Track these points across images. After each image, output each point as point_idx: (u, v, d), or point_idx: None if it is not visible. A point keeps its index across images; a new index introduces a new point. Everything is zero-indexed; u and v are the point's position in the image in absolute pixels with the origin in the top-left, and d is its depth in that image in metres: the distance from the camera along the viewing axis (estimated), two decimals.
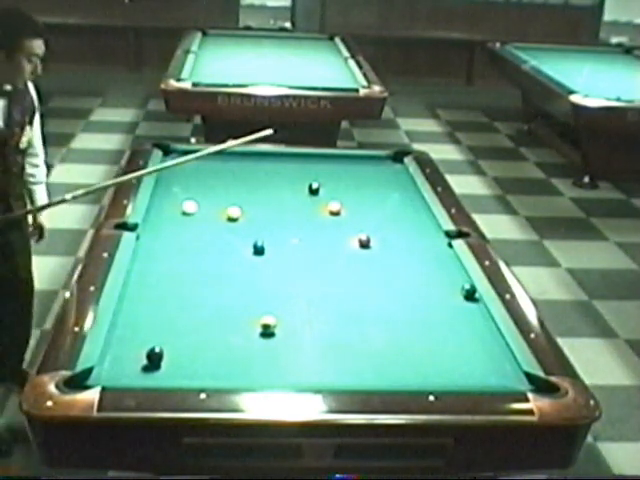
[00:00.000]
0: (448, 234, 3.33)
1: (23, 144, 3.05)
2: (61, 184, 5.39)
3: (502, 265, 3.07)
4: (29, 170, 3.23)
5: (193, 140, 4.16)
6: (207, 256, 3.10)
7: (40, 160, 3.29)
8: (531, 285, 4.12)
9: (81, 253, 4.14)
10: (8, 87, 2.93)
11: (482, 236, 3.33)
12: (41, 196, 3.30)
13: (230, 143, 3.26)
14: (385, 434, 2.21)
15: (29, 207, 3.25)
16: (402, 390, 2.27)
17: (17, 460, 3.03)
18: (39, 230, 3.36)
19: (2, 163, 2.99)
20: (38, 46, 2.84)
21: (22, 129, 3.02)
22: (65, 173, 5.83)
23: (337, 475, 2.25)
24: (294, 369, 2.44)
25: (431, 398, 2.21)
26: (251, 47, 6.99)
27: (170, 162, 3.49)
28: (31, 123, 3.09)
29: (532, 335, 2.56)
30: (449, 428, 2.20)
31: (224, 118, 5.38)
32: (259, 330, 2.54)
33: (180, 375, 2.31)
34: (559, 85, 6.11)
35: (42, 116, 3.23)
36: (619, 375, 3.89)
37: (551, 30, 9.04)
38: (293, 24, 9.21)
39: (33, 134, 3.15)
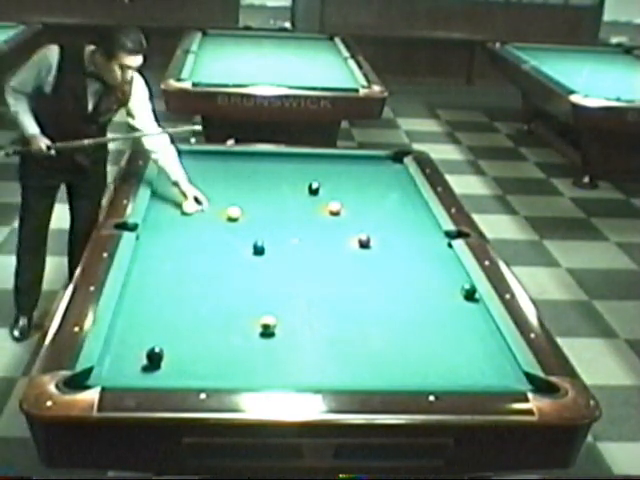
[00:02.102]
0: (448, 234, 3.33)
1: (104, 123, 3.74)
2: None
3: (502, 265, 3.07)
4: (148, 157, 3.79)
5: (193, 140, 4.16)
6: (207, 256, 3.10)
7: (152, 153, 3.74)
8: (531, 285, 4.12)
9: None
10: (110, 80, 3.49)
11: (482, 236, 3.33)
12: (179, 179, 3.64)
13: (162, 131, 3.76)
14: (385, 434, 2.21)
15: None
16: (402, 390, 2.27)
17: (17, 460, 3.03)
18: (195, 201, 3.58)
19: (86, 131, 3.62)
20: (131, 60, 3.40)
21: (107, 114, 3.67)
22: None
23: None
24: (294, 369, 2.44)
25: (431, 398, 2.21)
26: (251, 47, 6.99)
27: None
28: (116, 111, 3.70)
29: (532, 335, 2.56)
30: (449, 428, 2.21)
31: (224, 118, 5.38)
32: (259, 330, 2.54)
33: (180, 375, 2.31)
34: (559, 85, 6.10)
35: None
36: (619, 375, 3.89)
37: (551, 30, 9.03)
38: (293, 24, 9.21)
39: (139, 120, 3.73)
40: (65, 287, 3.74)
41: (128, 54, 3.38)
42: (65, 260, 4.19)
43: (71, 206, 3.94)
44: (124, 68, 3.41)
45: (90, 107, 3.57)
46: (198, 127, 3.56)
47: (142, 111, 3.71)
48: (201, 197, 3.57)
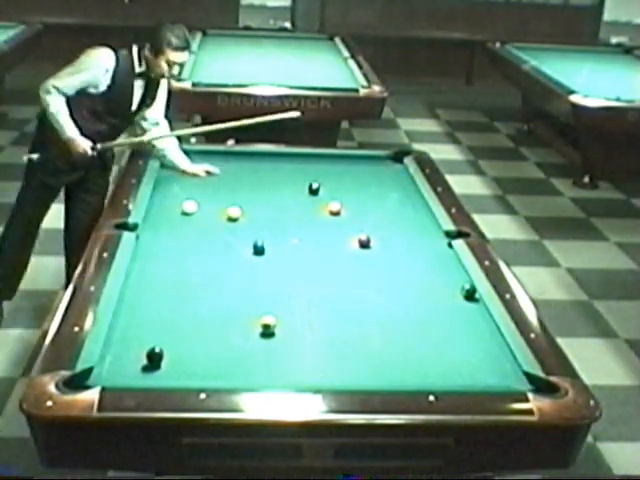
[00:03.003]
0: (448, 234, 3.33)
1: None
2: None
3: (502, 265, 3.07)
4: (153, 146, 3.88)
5: (193, 140, 4.17)
6: (207, 256, 3.10)
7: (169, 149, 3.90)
8: (531, 285, 4.12)
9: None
10: (152, 76, 3.64)
11: (482, 236, 3.33)
12: (180, 162, 3.89)
13: (257, 119, 3.86)
14: (385, 434, 2.21)
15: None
16: (402, 390, 2.27)
17: (17, 460, 3.03)
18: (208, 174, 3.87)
19: (120, 129, 3.78)
20: (177, 57, 3.52)
21: (142, 112, 3.76)
22: None
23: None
24: (294, 369, 2.43)
25: (431, 398, 2.21)
26: (251, 47, 6.99)
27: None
28: (149, 108, 3.78)
29: (532, 335, 2.56)
30: (449, 428, 2.20)
31: (224, 118, 5.36)
32: (259, 330, 2.54)
33: (180, 375, 2.31)
34: (559, 85, 6.10)
35: None
36: (619, 375, 3.89)
37: (551, 30, 9.03)
38: (293, 24, 9.21)
39: (158, 115, 3.83)
40: (65, 287, 3.76)
41: (174, 50, 3.49)
42: (63, 259, 4.19)
43: (72, 204, 3.90)
44: (171, 64, 3.53)
45: (134, 107, 3.69)
46: (297, 114, 3.86)
47: (159, 102, 3.81)
48: (210, 168, 3.85)
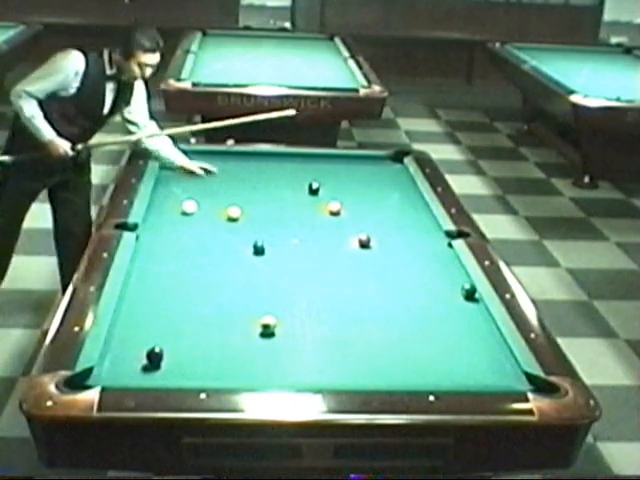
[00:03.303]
0: (448, 234, 3.33)
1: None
2: None
3: (502, 265, 3.07)
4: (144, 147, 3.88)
5: (193, 140, 4.17)
6: (207, 256, 3.10)
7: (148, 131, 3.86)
8: (531, 285, 4.11)
9: None
10: (124, 78, 3.61)
11: (482, 236, 3.33)
12: (174, 157, 3.87)
13: (252, 117, 3.83)
14: (385, 434, 2.21)
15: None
16: (402, 390, 2.27)
17: (17, 460, 3.03)
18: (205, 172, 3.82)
19: (93, 132, 3.74)
20: (148, 59, 3.50)
21: (116, 114, 3.74)
22: None
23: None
24: (294, 369, 2.44)
25: (431, 398, 2.21)
26: (251, 47, 6.99)
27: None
28: (123, 110, 3.75)
29: (532, 335, 2.56)
30: (449, 428, 2.20)
31: (224, 118, 5.37)
32: (259, 330, 2.54)
33: (180, 375, 2.31)
34: (559, 85, 6.10)
35: None
36: (619, 375, 3.89)
37: (551, 30, 9.03)
38: (293, 24, 9.21)
39: (138, 117, 3.80)
40: (63, 289, 3.77)
41: (145, 52, 3.48)
42: None
43: (58, 205, 3.89)
44: (142, 66, 3.51)
45: (107, 109, 3.67)
46: (292, 112, 3.85)
47: (140, 105, 3.80)
48: (207, 166, 3.79)
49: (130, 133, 3.84)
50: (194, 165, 3.81)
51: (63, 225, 3.90)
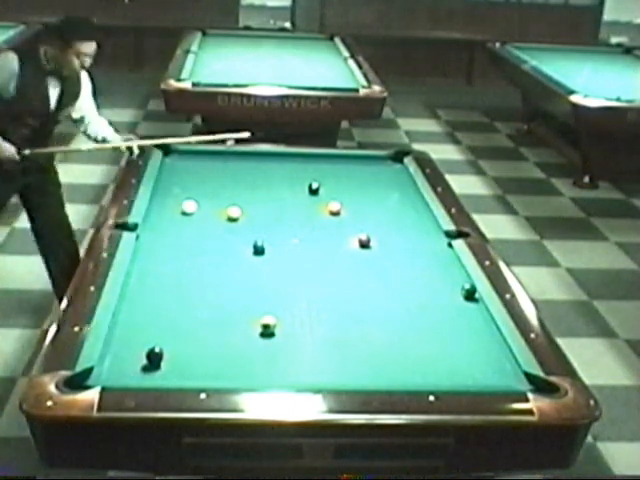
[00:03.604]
0: (448, 234, 3.33)
1: (62, 119, 3.70)
2: (62, 184, 5.39)
3: (502, 265, 3.07)
4: (91, 134, 3.80)
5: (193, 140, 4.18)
6: (207, 256, 3.10)
7: (93, 124, 3.80)
8: (531, 285, 4.12)
9: (81, 253, 4.13)
10: (65, 72, 3.53)
11: (482, 236, 3.33)
12: (112, 137, 3.79)
13: (206, 137, 3.81)
14: (385, 434, 2.21)
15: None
16: (402, 390, 2.27)
17: (17, 460, 3.03)
18: (130, 152, 3.78)
19: (45, 130, 3.63)
20: (85, 47, 3.47)
21: (66, 111, 3.66)
22: (65, 173, 5.81)
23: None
24: (294, 369, 2.44)
25: (431, 398, 2.21)
26: (251, 47, 6.99)
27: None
28: (74, 105, 3.68)
29: (532, 335, 2.56)
30: (449, 428, 2.20)
31: (224, 118, 5.38)
32: (259, 330, 2.54)
33: (180, 375, 2.31)
34: (559, 85, 6.10)
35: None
36: (619, 375, 3.89)
37: (551, 30, 9.03)
38: (293, 24, 9.21)
39: (84, 110, 3.74)
40: (55, 291, 3.78)
41: (82, 41, 3.46)
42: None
43: (32, 211, 3.84)
44: (81, 56, 3.47)
45: (53, 106, 3.57)
46: (247, 134, 3.73)
47: (84, 100, 3.75)
48: (135, 145, 3.74)
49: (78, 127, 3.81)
50: (117, 138, 3.78)
51: (41, 230, 3.86)
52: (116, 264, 2.90)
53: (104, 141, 3.79)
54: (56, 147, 3.81)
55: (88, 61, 3.53)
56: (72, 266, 3.82)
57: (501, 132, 7.78)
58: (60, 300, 3.84)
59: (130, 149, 3.75)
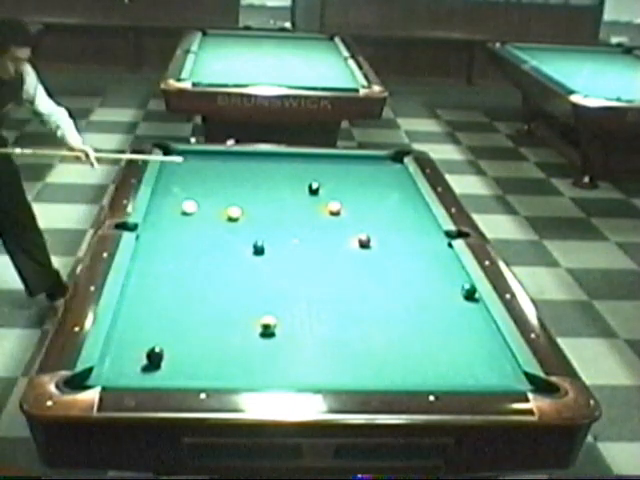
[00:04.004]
0: (448, 234, 3.33)
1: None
2: (62, 184, 5.41)
3: (502, 265, 3.07)
4: (49, 126, 3.73)
5: (193, 140, 4.17)
6: (207, 256, 3.10)
7: (51, 116, 3.72)
8: (531, 285, 4.11)
9: (81, 253, 4.14)
10: (1, 76, 3.49)
11: (482, 236, 3.33)
12: (69, 134, 3.71)
13: (142, 156, 3.78)
14: (385, 434, 2.21)
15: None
16: (402, 390, 2.27)
17: (17, 460, 3.03)
18: (85, 156, 3.68)
19: None
20: (21, 52, 3.44)
21: (4, 108, 3.65)
22: (65, 173, 5.84)
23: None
24: (294, 369, 2.43)
25: (431, 398, 2.21)
26: (251, 47, 6.99)
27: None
28: (19, 103, 3.67)
29: (532, 335, 2.56)
30: (449, 428, 2.20)
31: (224, 118, 5.38)
32: (259, 330, 2.54)
33: (180, 375, 2.31)
34: (559, 85, 6.10)
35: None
36: (619, 375, 3.89)
37: (551, 30, 9.04)
38: (293, 24, 9.21)
39: (37, 105, 3.69)
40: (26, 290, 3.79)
41: (17, 46, 3.43)
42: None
43: None
44: (16, 61, 3.46)
45: None
46: (180, 159, 3.64)
47: (39, 94, 3.72)
48: (92, 157, 3.65)
49: (43, 122, 3.76)
50: (81, 148, 3.69)
51: (4, 220, 3.88)
52: (116, 264, 2.90)
53: (58, 133, 3.72)
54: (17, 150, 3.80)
55: (23, 66, 3.54)
56: (40, 255, 3.95)
57: (501, 132, 7.79)
58: (29, 290, 3.98)
59: (89, 160, 3.69)
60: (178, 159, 3.68)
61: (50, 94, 3.79)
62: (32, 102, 3.70)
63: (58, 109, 3.76)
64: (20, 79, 3.61)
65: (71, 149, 3.70)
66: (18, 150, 3.78)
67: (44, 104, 3.73)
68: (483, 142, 7.46)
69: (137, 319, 2.61)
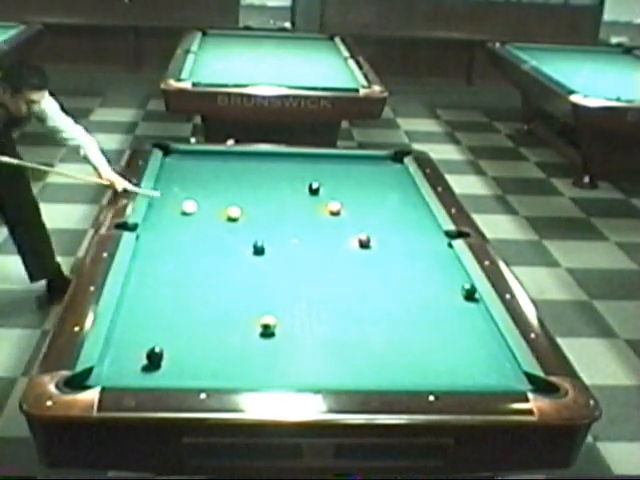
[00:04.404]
0: (448, 234, 3.33)
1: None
2: (62, 184, 5.41)
3: (502, 265, 3.07)
4: (71, 145, 3.79)
5: (193, 140, 4.18)
6: (207, 256, 3.10)
7: (71, 134, 3.76)
8: (531, 285, 4.11)
9: (81, 253, 4.13)
10: (12, 113, 3.60)
11: (482, 236, 3.33)
12: (93, 155, 3.74)
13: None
14: (385, 434, 2.21)
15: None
16: (402, 390, 2.27)
17: (17, 460, 3.03)
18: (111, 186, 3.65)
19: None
20: (36, 95, 3.54)
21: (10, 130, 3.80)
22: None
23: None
24: (294, 369, 2.44)
25: (431, 398, 2.21)
26: (251, 47, 6.99)
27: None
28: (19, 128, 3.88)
29: (532, 335, 2.56)
30: (449, 428, 2.20)
31: (224, 118, 5.39)
32: (259, 330, 2.54)
33: (180, 375, 2.31)
34: (559, 85, 6.10)
35: None
36: (619, 375, 3.89)
37: (551, 30, 9.03)
38: (293, 24, 9.21)
39: (52, 124, 3.74)
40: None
41: (33, 90, 3.52)
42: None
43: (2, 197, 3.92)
44: (29, 103, 3.56)
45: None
46: (157, 193, 3.59)
47: (58, 118, 3.76)
48: (129, 187, 3.59)
49: (63, 139, 3.80)
50: (114, 179, 3.65)
51: (11, 211, 3.95)
52: (116, 264, 2.90)
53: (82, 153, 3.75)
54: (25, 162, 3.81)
55: (36, 107, 3.61)
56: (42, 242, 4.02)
57: (501, 132, 7.79)
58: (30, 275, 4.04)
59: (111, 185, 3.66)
60: (156, 193, 3.60)
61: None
62: (57, 132, 3.76)
63: (85, 139, 3.77)
64: (30, 116, 3.70)
65: (99, 176, 3.70)
66: (47, 168, 3.98)
67: (69, 132, 3.76)
68: (483, 142, 7.45)
69: (137, 319, 2.62)
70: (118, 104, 7.88)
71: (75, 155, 3.82)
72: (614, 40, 9.04)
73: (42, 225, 4.05)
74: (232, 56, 6.63)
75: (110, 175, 3.66)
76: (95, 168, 3.71)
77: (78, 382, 2.21)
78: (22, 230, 4.00)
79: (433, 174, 4.04)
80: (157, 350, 2.34)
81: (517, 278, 3.01)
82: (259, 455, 2.22)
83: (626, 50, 7.94)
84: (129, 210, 3.39)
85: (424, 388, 2.26)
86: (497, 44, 7.66)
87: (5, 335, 3.92)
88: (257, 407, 2.18)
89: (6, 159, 3.62)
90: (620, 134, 5.88)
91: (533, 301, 2.84)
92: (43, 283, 4.13)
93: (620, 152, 6.09)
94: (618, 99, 5.71)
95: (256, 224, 3.39)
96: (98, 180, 3.70)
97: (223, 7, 9.00)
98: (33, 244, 4.03)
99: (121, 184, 3.60)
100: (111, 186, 3.62)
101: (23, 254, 4.05)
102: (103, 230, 3.21)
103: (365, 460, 2.24)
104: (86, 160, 3.75)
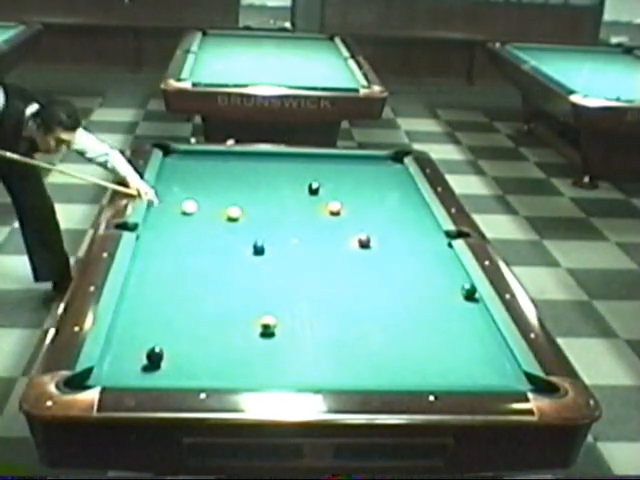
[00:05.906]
0: (448, 234, 3.33)
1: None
2: (62, 184, 5.40)
3: (502, 265, 3.07)
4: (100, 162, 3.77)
5: (193, 140, 4.18)
6: (207, 256, 3.10)
7: (104, 158, 3.74)
8: (531, 285, 4.11)
9: (81, 253, 4.13)
10: (39, 147, 3.63)
11: (482, 236, 3.33)
12: (120, 166, 3.71)
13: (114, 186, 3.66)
14: (385, 434, 2.21)
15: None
16: (402, 390, 2.27)
17: (17, 460, 3.02)
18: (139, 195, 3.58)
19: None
20: (67, 135, 3.53)
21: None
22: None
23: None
24: (294, 369, 2.44)
25: (431, 398, 2.21)
26: (251, 47, 6.99)
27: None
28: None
29: (532, 335, 2.56)
30: (449, 428, 2.21)
31: (224, 118, 5.39)
32: (259, 330, 2.54)
33: (180, 375, 2.31)
34: (559, 85, 6.10)
35: None
36: (619, 375, 3.89)
37: (551, 30, 9.03)
38: (293, 24, 9.21)
39: (89, 156, 3.76)
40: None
41: (65, 130, 3.51)
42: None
43: (17, 196, 3.94)
44: (59, 141, 3.55)
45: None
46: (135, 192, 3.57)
47: (90, 148, 3.76)
48: (152, 196, 3.56)
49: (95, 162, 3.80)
50: (140, 186, 3.61)
51: (24, 210, 3.96)
52: (116, 264, 2.90)
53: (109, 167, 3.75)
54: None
55: (65, 146, 3.62)
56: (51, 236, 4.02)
57: (501, 132, 7.78)
58: (35, 275, 4.06)
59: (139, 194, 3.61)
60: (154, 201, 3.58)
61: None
62: (94, 160, 3.77)
63: (113, 153, 3.76)
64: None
65: (126, 185, 3.62)
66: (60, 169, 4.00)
67: (103, 156, 3.75)
68: (483, 142, 7.45)
69: (137, 319, 2.62)
70: (118, 104, 7.87)
71: (75, 155, 3.83)
72: (614, 40, 9.04)
73: (54, 227, 4.04)
74: (232, 56, 6.64)
75: (139, 184, 3.60)
76: (123, 178, 3.64)
77: (78, 382, 2.21)
78: (32, 229, 3.99)
79: (433, 174, 4.04)
80: (157, 350, 2.34)
81: (517, 278, 3.01)
82: (259, 455, 2.22)
83: (626, 50, 7.93)
84: (129, 210, 3.39)
85: (424, 388, 2.26)
86: (497, 44, 7.65)
87: (5, 335, 3.92)
88: (257, 407, 2.18)
89: (10, 154, 3.59)
90: (620, 134, 5.88)
91: (533, 301, 2.84)
92: (44, 284, 4.13)
93: (620, 152, 6.09)
94: (618, 99, 5.71)
95: (256, 224, 3.39)
96: (124, 189, 3.58)
97: (223, 7, 9.00)
98: (43, 245, 4.01)
99: (147, 195, 3.55)
100: (136, 196, 3.54)
101: (31, 254, 4.03)
102: (103, 230, 3.21)
103: (365, 460, 2.24)
104: (113, 171, 3.73)
